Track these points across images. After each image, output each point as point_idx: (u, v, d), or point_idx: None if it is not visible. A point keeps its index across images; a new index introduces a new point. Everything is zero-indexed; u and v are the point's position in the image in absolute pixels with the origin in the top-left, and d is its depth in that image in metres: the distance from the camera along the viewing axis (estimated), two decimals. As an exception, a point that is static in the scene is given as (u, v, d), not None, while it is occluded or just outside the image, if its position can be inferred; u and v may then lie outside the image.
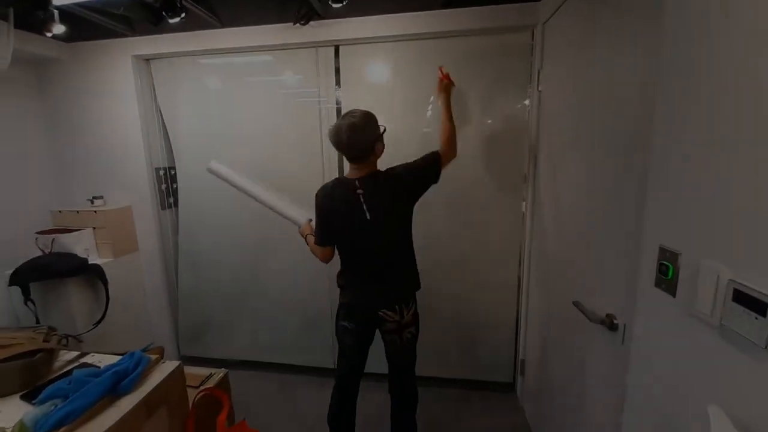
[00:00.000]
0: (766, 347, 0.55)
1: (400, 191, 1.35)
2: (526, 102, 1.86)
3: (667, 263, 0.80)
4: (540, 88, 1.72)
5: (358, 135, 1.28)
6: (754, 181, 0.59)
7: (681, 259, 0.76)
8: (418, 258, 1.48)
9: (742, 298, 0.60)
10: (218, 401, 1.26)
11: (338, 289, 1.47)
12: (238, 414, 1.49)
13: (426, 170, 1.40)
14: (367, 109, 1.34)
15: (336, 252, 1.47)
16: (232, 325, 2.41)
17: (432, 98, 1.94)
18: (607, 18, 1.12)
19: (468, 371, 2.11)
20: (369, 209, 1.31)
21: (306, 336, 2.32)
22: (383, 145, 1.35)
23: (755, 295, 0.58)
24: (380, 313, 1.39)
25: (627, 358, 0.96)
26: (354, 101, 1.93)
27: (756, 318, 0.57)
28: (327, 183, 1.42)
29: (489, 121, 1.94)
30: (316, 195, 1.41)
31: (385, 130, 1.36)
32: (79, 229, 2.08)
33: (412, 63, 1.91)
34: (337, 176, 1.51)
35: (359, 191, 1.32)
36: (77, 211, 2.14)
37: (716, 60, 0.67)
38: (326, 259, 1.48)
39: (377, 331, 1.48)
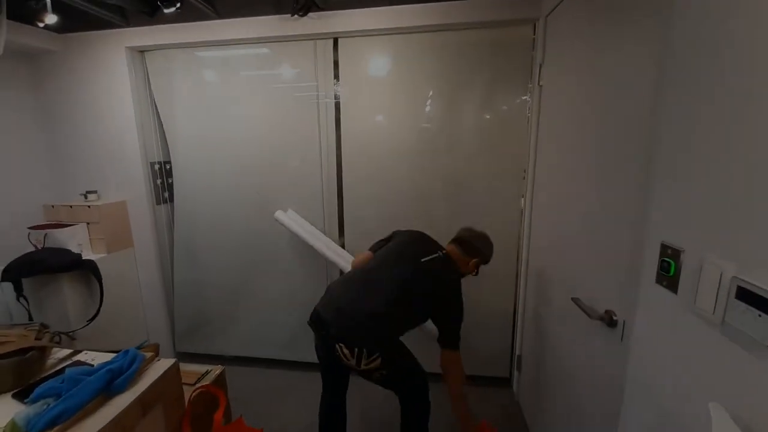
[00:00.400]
0: (770, 345, 0.55)
1: (430, 292, 1.38)
2: (527, 97, 1.84)
3: (669, 260, 0.80)
4: (541, 83, 1.71)
5: (475, 243, 1.48)
6: (758, 177, 0.58)
7: (684, 256, 0.76)
8: None
9: (745, 295, 0.60)
10: (215, 398, 1.25)
11: (334, 278, 1.54)
12: (234, 411, 1.48)
13: (449, 308, 1.40)
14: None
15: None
16: (227, 321, 2.39)
17: (431, 92, 1.93)
18: (611, 10, 1.10)
19: (464, 366, 2.10)
20: (414, 266, 1.38)
21: (303, 331, 2.30)
22: (473, 269, 1.51)
23: (759, 292, 0.57)
24: (337, 345, 1.25)
25: (626, 354, 0.96)
26: (353, 95, 1.91)
27: (759, 315, 0.57)
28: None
29: (488, 116, 1.93)
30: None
31: (465, 275, 1.50)
32: (72, 224, 2.05)
33: (413, 56, 1.89)
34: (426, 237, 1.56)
35: (424, 259, 1.40)
36: (70, 206, 2.11)
37: (722, 54, 0.66)
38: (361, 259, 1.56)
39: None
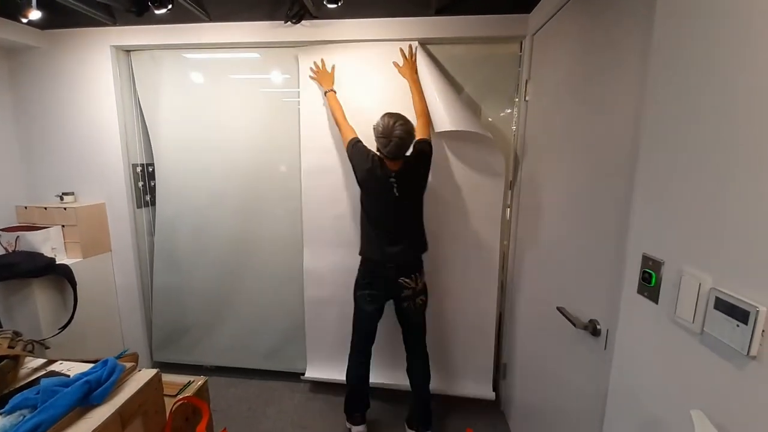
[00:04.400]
0: (747, 354, 0.58)
1: (419, 177, 1.66)
2: (513, 111, 1.90)
3: (650, 271, 0.83)
4: (527, 98, 1.76)
5: (405, 145, 1.55)
6: (736, 192, 0.62)
7: (664, 268, 0.79)
8: None
9: (723, 305, 0.63)
10: (196, 410, 1.21)
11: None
12: (217, 423, 1.44)
13: (429, 159, 1.67)
14: (400, 112, 1.58)
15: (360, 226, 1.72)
16: (208, 329, 2.32)
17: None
18: (595, 31, 1.16)
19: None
20: (399, 190, 1.58)
21: (284, 340, 2.27)
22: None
23: (737, 303, 0.61)
24: (399, 280, 1.64)
25: (609, 362, 0.99)
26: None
27: (738, 325, 0.60)
28: (371, 154, 1.62)
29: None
30: (358, 154, 1.63)
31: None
32: (46, 227, 1.96)
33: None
34: (379, 156, 1.61)
35: (392, 180, 1.57)
36: (45, 208, 2.02)
37: (702, 77, 0.71)
38: (346, 138, 1.69)
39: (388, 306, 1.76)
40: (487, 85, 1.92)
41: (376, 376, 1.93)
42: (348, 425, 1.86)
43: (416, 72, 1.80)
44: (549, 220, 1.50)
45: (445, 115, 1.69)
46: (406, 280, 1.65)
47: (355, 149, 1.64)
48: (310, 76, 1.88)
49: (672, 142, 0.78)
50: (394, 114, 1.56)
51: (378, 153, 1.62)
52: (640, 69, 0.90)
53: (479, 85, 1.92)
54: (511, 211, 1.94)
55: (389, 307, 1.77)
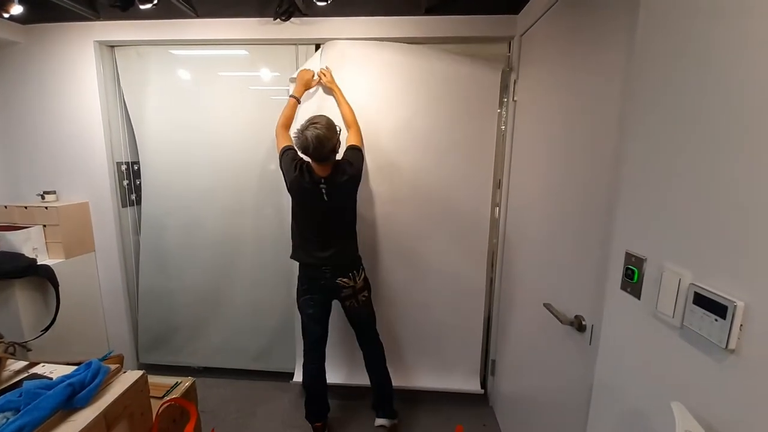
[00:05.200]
0: (726, 348, 0.60)
1: (351, 186, 1.66)
2: (502, 111, 1.92)
3: (633, 267, 0.86)
4: (515, 98, 1.79)
5: (324, 145, 1.49)
6: (717, 190, 0.64)
7: (646, 264, 0.82)
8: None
9: (702, 301, 0.65)
10: (184, 412, 1.20)
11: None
12: (205, 424, 1.42)
13: (360, 167, 1.67)
14: (324, 114, 1.57)
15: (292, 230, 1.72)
16: (195, 330, 2.29)
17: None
18: (583, 32, 1.18)
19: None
20: (328, 195, 1.58)
21: (273, 340, 2.25)
22: (340, 143, 1.60)
23: (715, 298, 0.63)
24: (337, 281, 1.65)
25: (594, 357, 1.02)
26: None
27: (716, 320, 0.62)
28: (298, 161, 1.60)
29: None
30: (286, 162, 1.61)
31: (340, 131, 1.59)
32: (27, 226, 1.91)
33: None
34: (307, 163, 1.61)
35: (322, 186, 1.57)
36: (25, 207, 1.96)
37: (685, 76, 0.73)
38: (279, 146, 1.67)
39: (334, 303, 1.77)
40: (477, 86, 1.93)
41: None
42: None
43: (335, 83, 1.80)
44: (536, 219, 1.53)
45: None
46: (344, 279, 1.66)
47: (285, 157, 1.62)
48: (318, 79, 1.82)
49: (655, 141, 0.80)
50: (316, 115, 1.55)
51: (306, 159, 1.59)
52: (625, 69, 0.92)
53: (469, 86, 1.93)
54: (499, 210, 1.96)
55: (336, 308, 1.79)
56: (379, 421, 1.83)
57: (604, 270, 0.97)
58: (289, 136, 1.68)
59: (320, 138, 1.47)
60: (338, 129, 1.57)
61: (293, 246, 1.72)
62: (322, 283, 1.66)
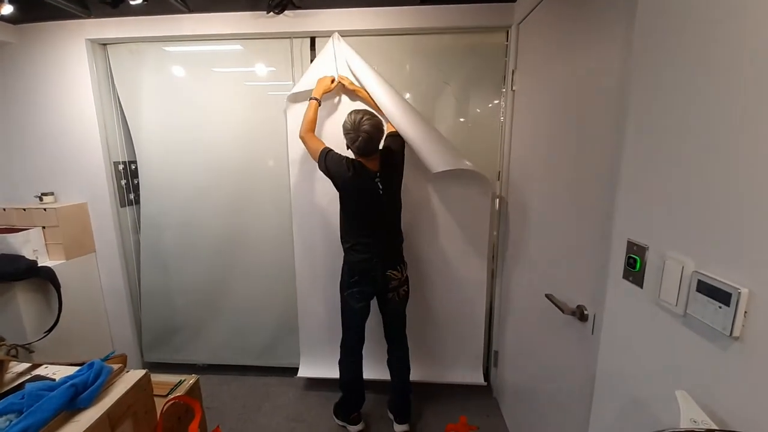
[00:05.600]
0: (730, 335, 0.59)
1: (398, 170, 1.68)
2: (500, 101, 1.90)
3: (635, 256, 0.85)
4: (514, 88, 1.76)
5: (377, 139, 1.53)
6: (718, 177, 0.63)
7: (648, 253, 0.81)
8: None
9: (706, 288, 0.65)
10: (189, 409, 1.20)
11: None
12: (210, 421, 1.43)
13: (403, 153, 1.70)
14: (364, 108, 1.59)
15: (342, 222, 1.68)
16: (199, 328, 2.30)
17: (407, 95, 1.95)
18: (581, 20, 1.16)
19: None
20: (383, 188, 1.58)
21: (277, 336, 2.26)
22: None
23: (719, 285, 0.62)
24: (387, 273, 1.66)
25: (596, 346, 1.01)
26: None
27: (720, 307, 0.61)
28: (346, 161, 1.56)
29: (463, 120, 1.97)
30: (334, 164, 1.55)
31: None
32: (26, 228, 1.91)
33: (390, 58, 1.90)
34: (357, 161, 1.58)
35: (377, 180, 1.58)
36: (24, 209, 1.96)
37: (684, 64, 0.71)
38: (316, 149, 1.60)
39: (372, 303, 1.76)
40: (475, 76, 1.91)
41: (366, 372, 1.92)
42: (340, 423, 1.87)
43: (354, 85, 1.77)
44: (537, 209, 1.52)
45: (432, 158, 1.67)
46: (394, 272, 1.67)
47: (329, 159, 1.57)
48: (337, 81, 1.76)
49: (655, 129, 0.79)
50: (360, 110, 1.53)
51: (352, 156, 1.58)
52: (624, 57, 0.90)
53: (466, 77, 1.91)
54: (500, 202, 1.95)
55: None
56: (401, 428, 1.83)
57: (606, 259, 0.96)
58: (318, 138, 1.65)
59: (371, 133, 1.49)
60: (386, 127, 1.60)
61: (346, 246, 1.67)
62: (373, 275, 1.64)
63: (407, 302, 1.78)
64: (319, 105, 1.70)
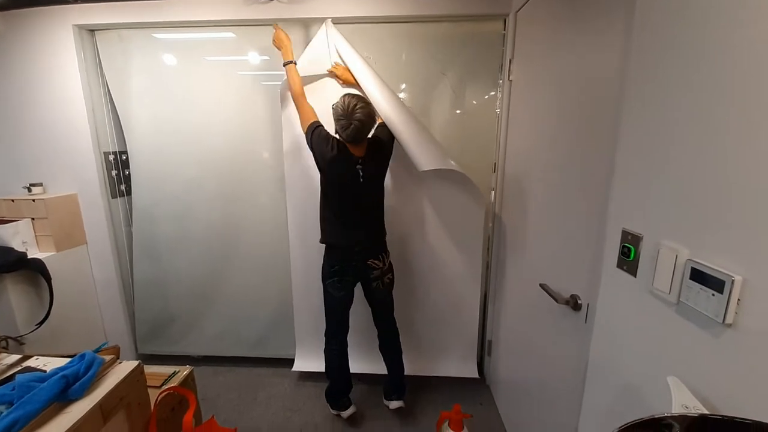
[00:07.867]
0: (723, 322, 0.60)
1: (384, 161, 1.66)
2: (497, 92, 1.88)
3: (629, 245, 0.85)
4: (511, 78, 1.75)
5: (367, 128, 1.51)
6: (713, 165, 0.63)
7: (643, 242, 0.81)
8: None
9: (699, 276, 0.65)
10: (184, 400, 1.20)
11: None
12: (205, 412, 1.43)
13: (391, 145, 1.68)
14: (357, 94, 1.55)
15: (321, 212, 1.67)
16: (193, 319, 2.29)
17: (403, 85, 1.93)
18: (579, 8, 1.14)
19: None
20: (364, 176, 1.56)
21: (272, 327, 2.26)
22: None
23: (712, 273, 0.62)
24: (368, 262, 1.66)
25: (589, 335, 1.02)
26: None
27: (713, 294, 0.61)
28: (332, 140, 1.54)
29: (458, 110, 1.96)
30: (320, 141, 1.54)
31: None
32: (14, 220, 1.87)
33: (385, 46, 1.87)
34: (342, 142, 1.55)
35: (359, 167, 1.55)
36: (12, 200, 1.92)
37: (682, 54, 0.70)
38: (306, 120, 1.60)
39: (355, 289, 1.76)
40: (471, 66, 1.89)
41: (356, 366, 1.95)
42: (334, 412, 1.88)
43: (349, 72, 1.72)
44: (532, 199, 1.51)
45: (420, 155, 1.64)
46: (375, 261, 1.66)
47: (316, 135, 1.54)
48: (273, 43, 1.70)
49: (650, 119, 0.78)
50: (355, 95, 1.50)
51: (338, 137, 1.55)
52: (623, 46, 0.89)
53: (463, 66, 1.89)
54: (495, 193, 1.95)
55: (358, 292, 1.78)
56: (395, 404, 1.86)
57: (600, 249, 0.97)
58: (311, 108, 1.62)
59: (364, 122, 1.46)
60: (379, 119, 1.59)
61: (323, 229, 1.67)
62: (354, 264, 1.64)
63: (392, 288, 1.79)
64: (296, 64, 1.66)
